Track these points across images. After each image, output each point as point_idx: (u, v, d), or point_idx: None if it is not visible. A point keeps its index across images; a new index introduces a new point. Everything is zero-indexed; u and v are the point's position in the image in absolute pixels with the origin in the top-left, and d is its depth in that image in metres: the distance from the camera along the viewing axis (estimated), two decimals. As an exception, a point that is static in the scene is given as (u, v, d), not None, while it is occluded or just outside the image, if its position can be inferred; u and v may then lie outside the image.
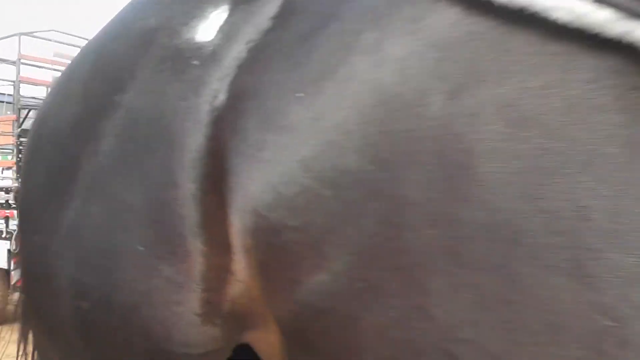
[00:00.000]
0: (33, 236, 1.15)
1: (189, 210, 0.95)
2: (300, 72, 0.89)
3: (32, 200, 1.19)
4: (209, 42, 1.00)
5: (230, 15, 1.02)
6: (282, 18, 0.97)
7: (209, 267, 0.96)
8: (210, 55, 0.99)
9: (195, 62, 0.99)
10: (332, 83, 0.85)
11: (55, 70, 9.64)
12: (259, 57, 0.95)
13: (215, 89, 0.96)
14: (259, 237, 0.89)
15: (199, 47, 1.00)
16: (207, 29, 1.02)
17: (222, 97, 0.96)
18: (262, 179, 0.88)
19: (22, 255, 1.23)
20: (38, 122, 1.25)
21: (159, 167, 0.97)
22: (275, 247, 0.87)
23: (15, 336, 1.44)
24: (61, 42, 10.12)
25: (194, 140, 0.95)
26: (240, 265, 0.95)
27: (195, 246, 0.95)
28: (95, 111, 1.08)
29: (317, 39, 0.90)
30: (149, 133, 1.00)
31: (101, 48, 1.16)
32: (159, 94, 1.00)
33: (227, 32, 1.00)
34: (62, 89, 1.21)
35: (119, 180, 1.01)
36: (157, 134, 0.99)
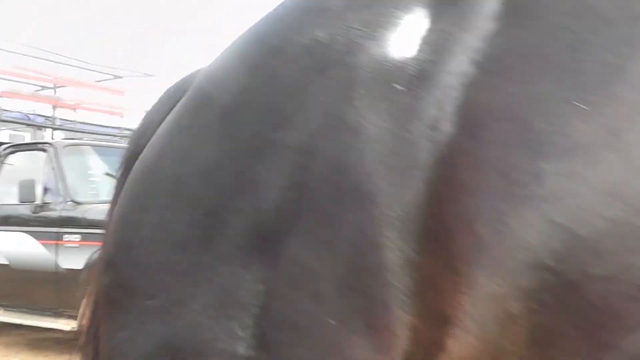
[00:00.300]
0: (145, 301, 0.91)
1: (398, 276, 0.76)
2: (572, 79, 0.71)
3: (141, 258, 0.93)
4: (412, 58, 0.79)
5: (433, 22, 0.81)
6: (510, 17, 0.78)
7: (415, 343, 0.78)
8: (417, 75, 0.78)
9: (398, 86, 0.78)
10: (625, 86, 0.68)
11: (12, 81, 9.34)
12: (493, 69, 0.76)
13: (434, 118, 0.76)
14: (541, 297, 0.70)
15: (400, 65, 0.79)
16: (405, 41, 0.80)
17: (447, 127, 0.75)
18: (542, 220, 0.69)
19: (114, 320, 0.97)
20: (144, 163, 0.98)
21: (354, 226, 0.77)
22: (571, 307, 0.69)
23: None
24: (23, 54, 9.82)
25: (408, 188, 0.75)
26: (465, 340, 0.76)
27: (402, 318, 0.77)
28: (244, 153, 0.84)
29: (580, 35, 0.73)
30: (336, 183, 0.78)
31: (249, 69, 0.90)
32: (349, 131, 0.78)
33: (435, 43, 0.79)
34: (185, 123, 0.94)
35: (296, 242, 0.79)
36: (348, 184, 0.77)
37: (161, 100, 1.17)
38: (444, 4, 0.82)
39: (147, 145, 1.00)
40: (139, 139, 1.10)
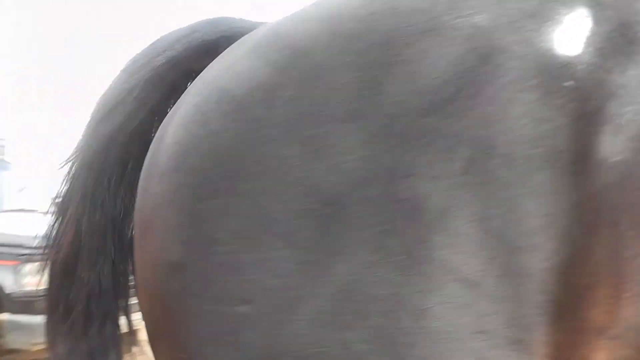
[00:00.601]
0: (237, 307, 0.76)
1: (551, 284, 0.73)
2: None
3: (231, 255, 0.76)
4: (578, 58, 0.73)
5: (595, 24, 0.76)
6: None
7: (557, 353, 0.76)
8: (586, 77, 0.73)
9: (569, 84, 0.72)
10: None
11: None
12: None
13: (607, 128, 0.72)
14: None
15: (568, 64, 0.73)
16: (570, 39, 0.75)
17: (620, 141, 0.72)
18: None
19: (193, 334, 0.80)
20: (207, 138, 0.81)
21: (515, 226, 0.71)
22: None
23: None
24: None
25: (578, 192, 0.72)
26: (621, 352, 0.76)
27: (550, 335, 0.74)
28: (380, 137, 0.73)
29: None
30: (506, 178, 0.71)
31: (388, 44, 0.77)
32: (524, 123, 0.72)
33: (600, 47, 0.74)
34: (284, 95, 0.78)
35: (444, 244, 0.70)
36: (521, 180, 0.71)
37: (147, 80, 1.04)
38: (603, 7, 0.77)
39: (193, 115, 0.84)
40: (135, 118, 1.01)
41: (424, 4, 0.77)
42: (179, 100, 0.96)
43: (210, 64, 0.95)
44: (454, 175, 0.71)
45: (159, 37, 1.16)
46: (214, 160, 0.79)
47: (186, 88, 1.12)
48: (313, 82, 0.76)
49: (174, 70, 1.10)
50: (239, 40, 0.95)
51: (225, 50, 0.95)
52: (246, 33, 1.02)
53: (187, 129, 0.84)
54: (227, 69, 0.87)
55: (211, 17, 1.15)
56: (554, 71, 0.73)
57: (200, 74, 0.95)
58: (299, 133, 0.75)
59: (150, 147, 0.96)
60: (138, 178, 1.13)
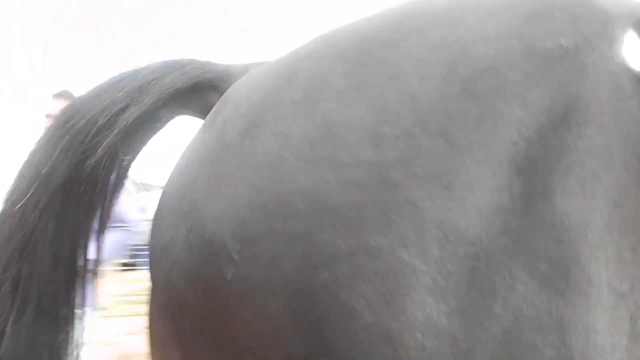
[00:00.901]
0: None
1: None
2: None
3: (371, 326, 0.67)
4: None
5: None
6: None
7: None
8: None
9: None
10: None
11: None
12: None
13: None
14: None
15: None
16: (635, 56, 0.81)
17: None
18: None
19: None
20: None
21: None
22: None
23: None
24: None
25: None
26: None
27: None
28: (502, 165, 0.71)
29: None
30: (624, 178, 0.74)
31: (487, 70, 0.75)
32: (627, 126, 0.76)
33: None
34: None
35: (583, 254, 0.70)
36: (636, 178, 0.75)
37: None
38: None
39: (256, 172, 0.73)
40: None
41: (509, 31, 0.79)
42: (200, 165, 0.81)
43: (232, 116, 0.81)
44: (586, 185, 0.72)
45: (106, 84, 0.99)
46: (319, 220, 0.68)
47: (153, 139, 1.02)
48: (421, 117, 0.71)
49: (145, 127, 0.97)
50: (266, 82, 0.83)
51: (254, 96, 0.82)
52: (220, 78, 0.95)
53: (256, 189, 0.72)
54: (277, 115, 0.76)
55: (170, 60, 1.01)
56: (638, 82, 0.79)
57: (222, 129, 0.81)
58: (422, 172, 0.69)
59: (179, 231, 0.79)
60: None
